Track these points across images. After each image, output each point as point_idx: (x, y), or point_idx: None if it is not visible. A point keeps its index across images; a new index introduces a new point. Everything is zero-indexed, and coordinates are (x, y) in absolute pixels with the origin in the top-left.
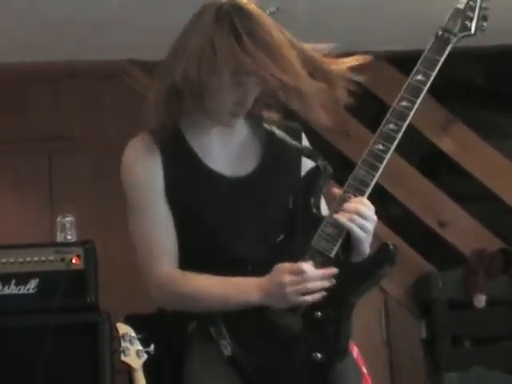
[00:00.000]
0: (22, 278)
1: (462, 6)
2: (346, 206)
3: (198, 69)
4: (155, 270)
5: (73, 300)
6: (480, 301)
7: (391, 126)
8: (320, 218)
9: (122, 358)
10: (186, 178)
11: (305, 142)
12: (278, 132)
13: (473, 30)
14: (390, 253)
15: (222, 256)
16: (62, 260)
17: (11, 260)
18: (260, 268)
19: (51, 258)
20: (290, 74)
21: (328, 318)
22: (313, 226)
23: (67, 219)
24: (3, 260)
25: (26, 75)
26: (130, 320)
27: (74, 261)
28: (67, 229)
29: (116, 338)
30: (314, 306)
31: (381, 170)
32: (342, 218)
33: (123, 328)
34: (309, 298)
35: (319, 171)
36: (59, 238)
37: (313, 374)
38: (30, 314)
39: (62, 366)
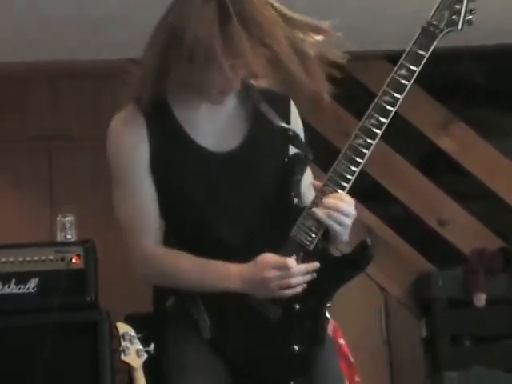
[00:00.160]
0: (22, 278)
1: None
2: (326, 201)
3: (190, 53)
4: (139, 244)
5: (73, 299)
6: (480, 300)
7: (373, 121)
8: (300, 209)
9: (122, 357)
10: (171, 152)
11: (294, 112)
12: (266, 108)
13: (460, 26)
14: (368, 250)
15: (202, 231)
16: (62, 259)
17: (11, 259)
18: (237, 249)
19: (51, 257)
20: (279, 59)
21: (306, 311)
22: (292, 216)
23: (67, 219)
24: (3, 259)
25: (25, 75)
26: (129, 319)
27: (73, 260)
28: (67, 228)
29: (116, 338)
30: (293, 298)
31: (361, 165)
32: (321, 214)
33: (123, 327)
34: (289, 292)
35: (299, 159)
36: (59, 237)
37: (290, 365)
38: (30, 313)
39: (62, 366)
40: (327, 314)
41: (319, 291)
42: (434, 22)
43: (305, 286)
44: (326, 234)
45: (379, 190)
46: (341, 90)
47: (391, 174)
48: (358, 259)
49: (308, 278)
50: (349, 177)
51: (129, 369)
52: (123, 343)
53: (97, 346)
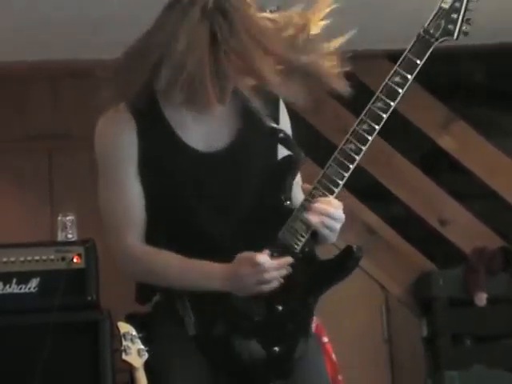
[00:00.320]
0: (23, 277)
1: (446, 6)
2: (316, 206)
3: (180, 70)
4: (123, 240)
5: (74, 299)
6: (481, 299)
7: (365, 126)
8: (289, 211)
9: (123, 356)
10: (160, 152)
11: (283, 111)
12: (256, 107)
13: (455, 36)
14: (354, 255)
15: (191, 231)
16: (63, 259)
17: (12, 259)
18: (227, 249)
19: (52, 256)
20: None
21: (289, 313)
22: (281, 218)
23: (68, 218)
24: (4, 259)
25: (26, 74)
26: (131, 319)
27: (74, 260)
28: (68, 228)
29: (117, 337)
30: (277, 299)
31: (351, 169)
32: (311, 218)
33: (124, 327)
34: (266, 287)
35: (291, 161)
36: (60, 236)
37: (270, 366)
38: (31, 312)
39: (63, 365)
40: (313, 315)
41: (303, 294)
42: (430, 31)
43: (281, 280)
44: (313, 237)
45: (380, 189)
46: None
47: (392, 173)
48: (343, 264)
49: (283, 272)
50: (338, 181)
51: (130, 368)
52: (124, 343)
53: (98, 346)
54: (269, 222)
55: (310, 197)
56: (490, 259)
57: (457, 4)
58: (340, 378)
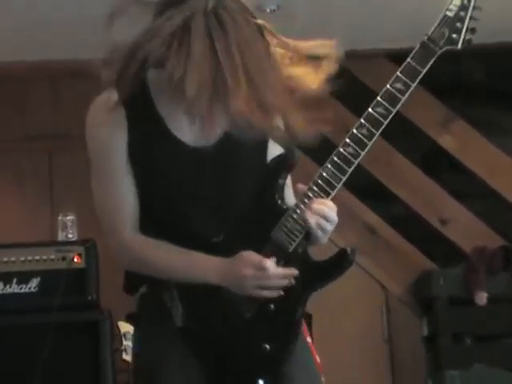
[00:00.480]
0: (24, 277)
1: (451, 15)
2: (313, 207)
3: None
4: (118, 232)
5: (74, 299)
6: (481, 298)
7: (364, 131)
8: (283, 210)
9: (124, 356)
10: (148, 142)
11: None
12: None
13: (459, 45)
14: (347, 258)
15: (180, 225)
16: (64, 259)
17: (12, 259)
18: (216, 246)
19: (52, 256)
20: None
21: (280, 312)
22: (274, 217)
23: (68, 218)
24: (5, 259)
25: (26, 74)
26: (131, 318)
27: (75, 259)
28: (68, 227)
29: (117, 337)
30: (269, 298)
31: (349, 173)
32: (310, 218)
33: (124, 326)
34: (267, 294)
35: (285, 161)
36: (60, 236)
37: (259, 362)
38: (32, 312)
39: (63, 365)
40: (303, 315)
41: (295, 293)
42: (434, 39)
43: (282, 292)
44: (306, 237)
45: (380, 188)
46: (341, 88)
47: (392, 172)
48: (336, 266)
49: (285, 282)
50: (334, 183)
51: (130, 368)
52: (125, 342)
53: (98, 346)
54: (262, 221)
55: (305, 197)
56: (490, 258)
57: (461, 13)
58: (323, 379)
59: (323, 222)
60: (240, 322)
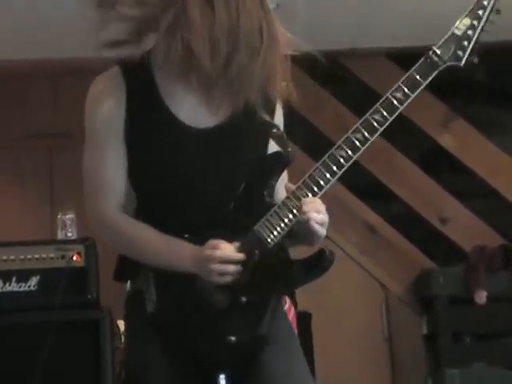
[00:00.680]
0: (23, 276)
1: (459, 33)
2: (310, 205)
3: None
4: (101, 206)
5: (74, 297)
6: (481, 297)
7: (359, 136)
8: (269, 206)
9: None
10: (146, 121)
11: (279, 108)
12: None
13: (463, 62)
14: (326, 259)
15: (167, 205)
16: (63, 257)
17: (12, 257)
18: (200, 229)
19: (52, 255)
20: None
21: (252, 306)
22: (260, 211)
23: (68, 216)
24: (4, 257)
25: (26, 73)
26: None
27: (74, 258)
28: (68, 226)
29: (117, 335)
30: (242, 290)
31: (338, 175)
32: (311, 215)
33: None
34: (219, 278)
35: (280, 158)
36: (60, 235)
37: (224, 354)
38: (31, 311)
39: (63, 363)
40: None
41: (269, 289)
42: (439, 53)
43: (232, 278)
44: (292, 238)
45: (380, 187)
46: (341, 88)
47: (392, 172)
48: (314, 266)
49: (232, 269)
50: (323, 184)
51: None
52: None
53: (98, 344)
54: (248, 214)
55: (293, 196)
56: (490, 257)
57: (469, 32)
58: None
59: (321, 218)
60: (210, 313)
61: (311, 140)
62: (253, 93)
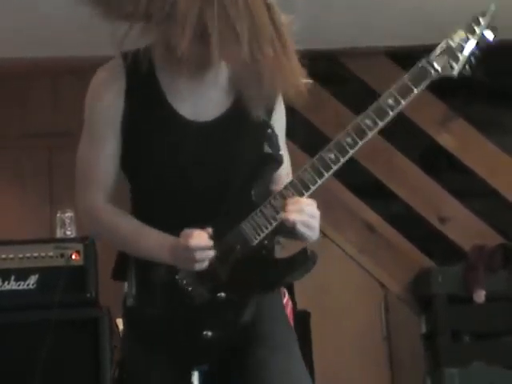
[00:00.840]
0: (22, 274)
1: (453, 45)
2: (291, 207)
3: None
4: (89, 196)
5: (72, 296)
6: (480, 296)
7: (348, 139)
8: (256, 206)
9: None
10: (147, 117)
11: (279, 108)
12: (252, 95)
13: (455, 74)
14: (308, 259)
15: (162, 197)
16: (62, 256)
17: (11, 256)
18: (193, 222)
19: (51, 253)
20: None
21: (231, 303)
22: (247, 211)
23: (67, 215)
24: (3, 256)
25: (26, 72)
26: None
27: (73, 257)
28: (67, 225)
29: (116, 334)
30: (222, 286)
31: (326, 178)
32: (290, 217)
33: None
34: (193, 266)
35: (271, 159)
36: (59, 233)
37: (198, 349)
38: (30, 309)
39: (62, 362)
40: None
41: (250, 287)
42: (433, 63)
43: (206, 265)
44: (281, 232)
45: (380, 187)
46: (341, 87)
47: (392, 171)
48: (296, 266)
49: (206, 255)
50: (311, 186)
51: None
52: None
53: (97, 343)
54: (234, 209)
55: (279, 195)
56: (489, 257)
57: (464, 44)
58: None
59: (305, 218)
60: (188, 307)
61: (311, 139)
62: (252, 89)
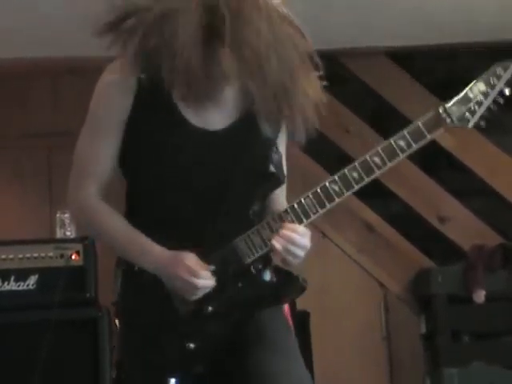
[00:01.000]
0: (22, 274)
1: (471, 96)
2: (283, 232)
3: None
4: (83, 192)
5: (72, 296)
6: (479, 296)
7: (355, 174)
8: (252, 224)
9: None
10: (153, 120)
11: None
12: (261, 111)
13: (470, 125)
14: (298, 285)
15: (158, 201)
16: (62, 256)
17: (11, 256)
18: (188, 227)
19: (50, 254)
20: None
21: (216, 317)
22: (243, 226)
23: (66, 215)
24: (3, 256)
25: (26, 72)
26: None
27: (73, 257)
28: (66, 225)
29: (115, 334)
30: (209, 300)
31: (327, 208)
32: (276, 243)
33: None
34: (190, 296)
35: (272, 177)
36: (59, 234)
37: (179, 358)
38: (30, 310)
39: (62, 362)
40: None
41: (236, 304)
42: (450, 112)
43: (199, 295)
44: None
45: (379, 187)
46: (341, 87)
47: (391, 171)
48: (286, 292)
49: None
50: (310, 214)
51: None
52: None
53: (96, 343)
54: (230, 224)
55: (278, 219)
56: (488, 256)
57: (481, 98)
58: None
59: (292, 248)
60: (174, 316)
61: (311, 139)
62: (264, 107)
